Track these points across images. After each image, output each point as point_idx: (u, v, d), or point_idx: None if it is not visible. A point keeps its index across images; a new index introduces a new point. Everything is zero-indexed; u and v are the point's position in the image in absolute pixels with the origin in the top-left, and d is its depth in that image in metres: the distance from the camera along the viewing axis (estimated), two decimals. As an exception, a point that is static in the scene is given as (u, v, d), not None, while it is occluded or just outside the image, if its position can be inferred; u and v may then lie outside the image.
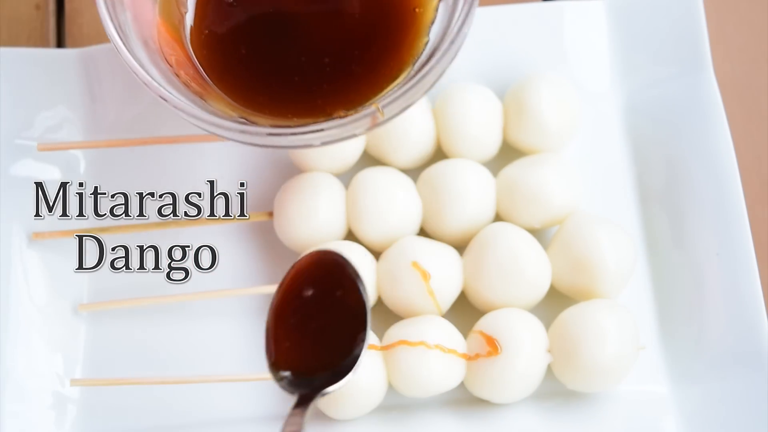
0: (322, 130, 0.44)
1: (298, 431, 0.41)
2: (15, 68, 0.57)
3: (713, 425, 0.51)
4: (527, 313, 0.52)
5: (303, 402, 0.43)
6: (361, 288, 0.45)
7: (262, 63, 0.49)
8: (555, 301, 0.53)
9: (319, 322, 0.45)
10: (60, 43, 0.62)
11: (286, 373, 0.45)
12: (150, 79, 0.44)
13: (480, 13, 0.58)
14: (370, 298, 0.52)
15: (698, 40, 0.56)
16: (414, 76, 0.45)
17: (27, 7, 0.62)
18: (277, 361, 0.45)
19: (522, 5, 0.58)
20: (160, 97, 0.44)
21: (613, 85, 0.58)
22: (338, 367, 0.44)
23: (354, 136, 0.45)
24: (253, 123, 0.47)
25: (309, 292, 0.46)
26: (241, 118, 0.47)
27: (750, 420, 0.51)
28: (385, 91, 0.47)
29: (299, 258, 0.47)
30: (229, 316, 0.55)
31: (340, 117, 0.44)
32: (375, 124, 0.44)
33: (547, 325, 0.52)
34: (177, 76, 0.47)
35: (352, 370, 0.44)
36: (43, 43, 0.61)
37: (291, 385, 0.44)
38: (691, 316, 0.54)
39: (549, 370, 0.52)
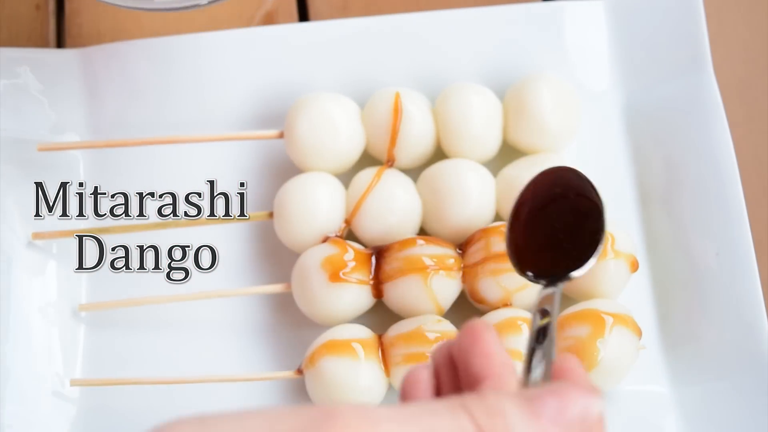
0: None
1: (551, 309, 0.43)
2: (15, 68, 0.57)
3: (713, 425, 0.51)
4: (527, 313, 0.52)
5: (552, 283, 0.45)
6: (593, 190, 0.48)
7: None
8: (555, 301, 0.53)
9: (556, 225, 0.49)
10: (60, 43, 0.62)
11: (530, 274, 0.47)
12: None
13: (480, 13, 0.58)
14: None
15: (698, 40, 0.56)
16: None
17: (27, 7, 0.62)
18: (519, 262, 0.48)
19: (522, 5, 0.58)
20: None
21: (613, 85, 0.58)
22: (579, 261, 0.47)
23: None
24: None
25: (546, 200, 0.49)
26: None
27: (750, 420, 0.51)
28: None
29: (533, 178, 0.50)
30: (229, 316, 0.55)
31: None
32: None
33: (547, 325, 0.52)
34: None
35: (593, 256, 0.47)
36: (43, 43, 0.60)
37: (537, 278, 0.47)
38: (691, 316, 0.54)
39: (549, 370, 0.52)
